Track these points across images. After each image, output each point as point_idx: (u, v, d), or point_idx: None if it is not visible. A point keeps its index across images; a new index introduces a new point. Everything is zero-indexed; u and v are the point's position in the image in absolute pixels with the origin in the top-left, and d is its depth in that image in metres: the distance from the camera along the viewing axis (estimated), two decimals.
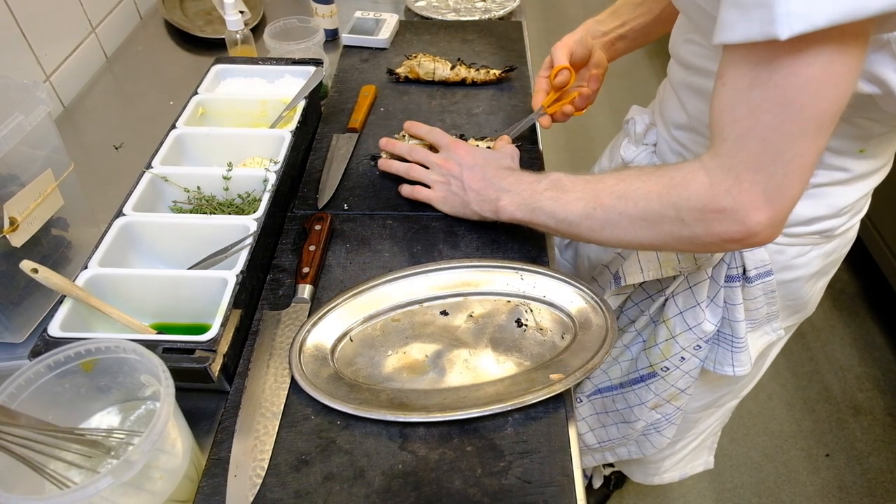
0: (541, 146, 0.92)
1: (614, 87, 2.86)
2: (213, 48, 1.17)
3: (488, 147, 0.84)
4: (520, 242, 0.76)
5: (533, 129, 0.93)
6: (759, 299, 0.80)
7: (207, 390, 0.63)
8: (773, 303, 0.81)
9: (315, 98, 0.92)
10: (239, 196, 0.76)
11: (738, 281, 0.78)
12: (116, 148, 0.95)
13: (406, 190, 0.80)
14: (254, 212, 0.70)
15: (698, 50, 0.71)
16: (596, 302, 0.67)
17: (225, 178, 0.74)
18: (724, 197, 0.54)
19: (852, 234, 0.80)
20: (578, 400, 1.00)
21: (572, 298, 0.68)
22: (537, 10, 3.31)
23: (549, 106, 0.86)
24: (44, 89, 0.65)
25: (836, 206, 0.72)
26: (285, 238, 0.77)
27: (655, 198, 0.59)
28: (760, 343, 0.85)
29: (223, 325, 0.58)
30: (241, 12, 1.22)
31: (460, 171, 0.76)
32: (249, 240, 0.66)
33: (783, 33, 0.44)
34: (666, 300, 0.84)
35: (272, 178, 0.74)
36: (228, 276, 0.62)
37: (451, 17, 1.20)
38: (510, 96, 1.00)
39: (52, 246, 0.71)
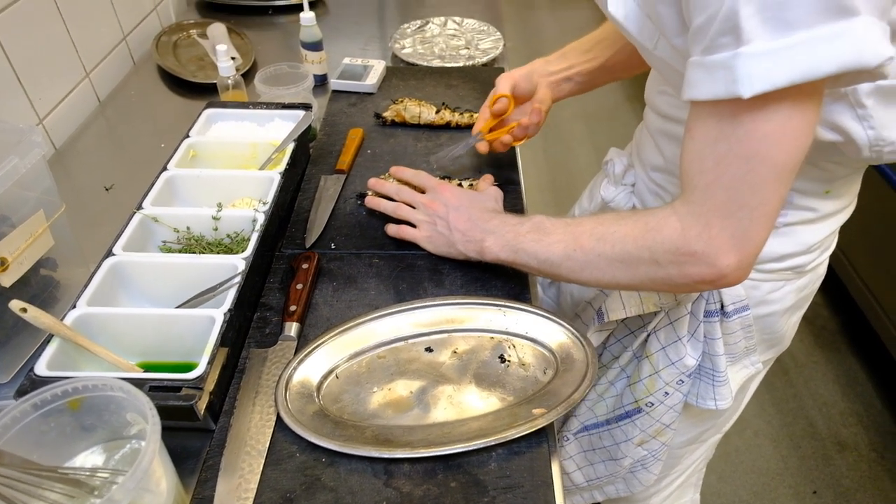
0: (523, 187, 0.95)
1: (597, 130, 2.94)
2: (205, 93, 1.20)
3: (471, 185, 0.87)
4: (503, 280, 0.78)
5: (516, 170, 0.96)
6: (737, 333, 0.82)
7: (193, 429, 0.63)
8: (751, 337, 0.83)
9: (304, 141, 0.94)
10: (228, 236, 0.77)
11: (717, 316, 0.80)
12: (107, 189, 0.97)
13: (392, 229, 0.82)
14: (242, 251, 0.72)
15: (672, 101, 0.75)
16: (577, 337, 0.68)
17: (214, 218, 0.76)
18: (696, 241, 0.57)
19: (822, 270, 0.82)
20: (566, 438, 1.00)
21: (554, 334, 0.70)
22: (522, 55, 3.42)
23: (489, 132, 0.90)
24: (38, 133, 0.67)
25: (806, 243, 0.75)
26: (273, 277, 0.78)
27: (631, 241, 0.62)
28: (740, 377, 0.87)
29: (210, 363, 0.59)
30: (233, 59, 1.26)
31: (446, 211, 0.78)
32: (237, 279, 0.67)
33: (745, 92, 0.48)
34: (648, 336, 0.86)
35: (261, 219, 0.76)
36: (216, 314, 0.63)
37: (436, 63, 1.25)
38: None
39: (41, 286, 0.72)
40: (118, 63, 1.26)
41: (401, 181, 0.86)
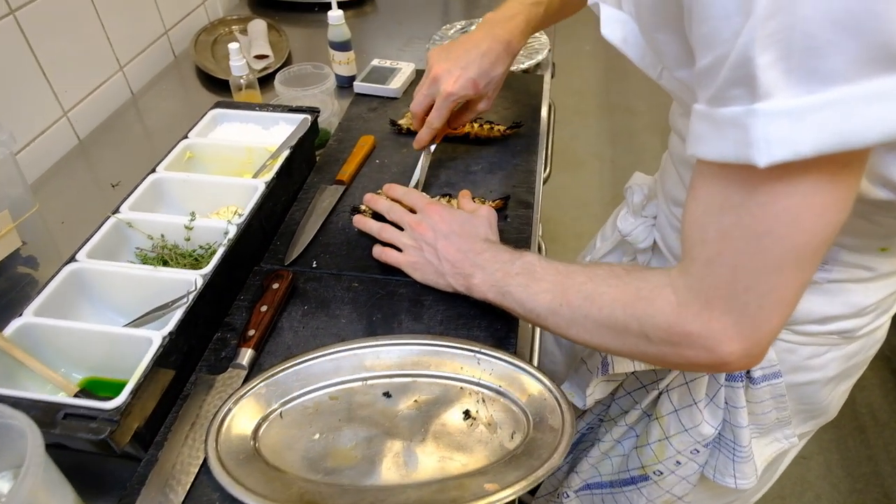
0: (538, 213, 0.85)
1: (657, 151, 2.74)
2: None
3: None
4: (489, 320, 0.69)
5: (531, 191, 0.87)
6: (766, 403, 0.69)
7: (127, 456, 0.59)
8: (784, 408, 0.70)
9: (306, 147, 0.89)
10: (200, 247, 0.73)
11: (741, 381, 0.68)
12: (113, 186, 0.96)
13: (377, 251, 0.75)
14: (208, 265, 0.67)
15: None
16: (557, 401, 0.59)
17: (187, 227, 0.72)
18: (692, 321, 0.48)
19: (881, 334, 0.68)
20: (565, 495, 0.90)
21: (532, 392, 0.60)
22: (600, 59, 3.25)
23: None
24: (8, 132, 0.65)
25: (857, 304, 0.62)
26: (245, 294, 0.73)
27: (620, 307, 0.53)
28: (769, 451, 0.74)
29: (134, 392, 0.54)
30: (265, 56, 1.23)
31: (434, 237, 0.71)
32: (185, 299, 0.63)
33: (760, 160, 0.37)
34: (660, 394, 0.75)
35: (232, 231, 0.71)
36: (154, 337, 0.59)
37: None
38: (513, 154, 0.94)
39: (12, 284, 0.70)
40: (157, 57, 1.26)
41: (393, 199, 0.79)
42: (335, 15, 1.09)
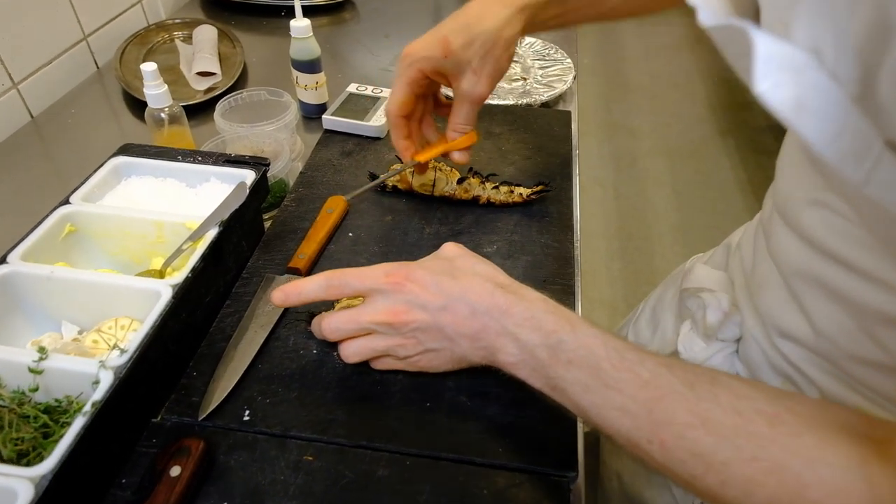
0: (579, 284, 0.59)
1: (680, 169, 2.52)
2: None
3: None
4: None
5: (571, 290, 0.61)
6: None
7: None
8: None
9: (248, 217, 0.62)
10: (56, 401, 0.45)
11: None
12: None
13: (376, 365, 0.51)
14: (59, 439, 0.40)
15: (841, 225, 0.39)
16: None
17: (33, 371, 0.45)
18: None
19: None
20: None
21: None
22: (599, 75, 3.02)
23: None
24: None
25: None
26: (131, 474, 0.46)
27: (763, 498, 0.33)
28: None
29: None
30: (211, 73, 0.96)
31: (430, 317, 0.46)
32: None
33: None
34: None
35: (105, 381, 0.43)
36: None
37: None
38: (540, 230, 0.68)
39: None
40: (71, 70, 0.98)
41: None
42: (300, 26, 0.82)
